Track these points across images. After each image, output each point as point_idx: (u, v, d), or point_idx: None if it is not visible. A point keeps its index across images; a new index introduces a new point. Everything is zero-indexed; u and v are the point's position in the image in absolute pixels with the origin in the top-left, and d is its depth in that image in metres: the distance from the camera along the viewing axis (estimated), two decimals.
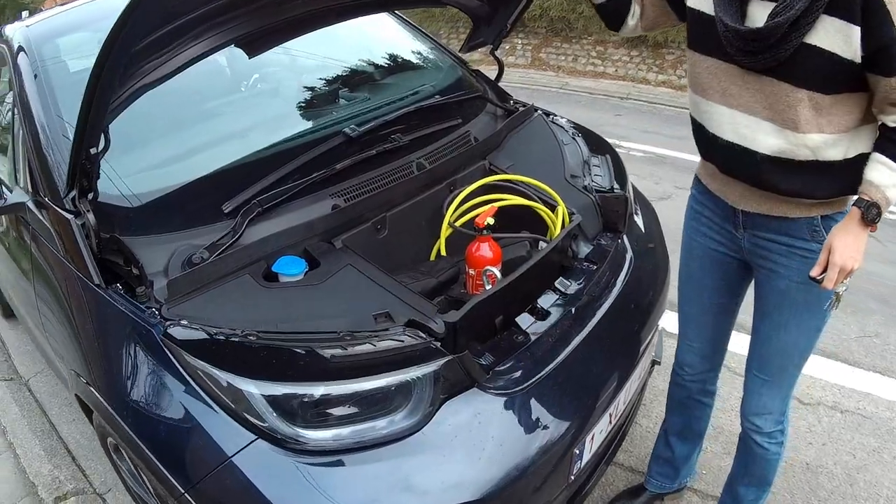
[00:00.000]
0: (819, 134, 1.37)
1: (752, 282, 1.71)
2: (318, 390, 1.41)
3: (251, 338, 1.47)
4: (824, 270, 1.39)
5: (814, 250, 1.48)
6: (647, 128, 5.83)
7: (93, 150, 1.55)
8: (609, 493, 2.23)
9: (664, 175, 4.71)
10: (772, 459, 1.80)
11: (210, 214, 1.73)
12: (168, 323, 1.50)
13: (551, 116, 2.61)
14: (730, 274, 1.74)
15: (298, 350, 1.46)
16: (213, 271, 1.61)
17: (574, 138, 2.46)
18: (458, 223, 2.01)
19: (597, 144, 2.48)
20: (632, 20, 1.74)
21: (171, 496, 1.50)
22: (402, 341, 1.50)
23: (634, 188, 2.43)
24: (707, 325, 1.85)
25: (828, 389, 2.66)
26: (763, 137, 1.44)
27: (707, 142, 1.58)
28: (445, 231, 2.01)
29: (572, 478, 1.72)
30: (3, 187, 2.21)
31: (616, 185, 2.23)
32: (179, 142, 1.97)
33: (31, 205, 1.92)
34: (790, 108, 1.37)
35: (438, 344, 1.53)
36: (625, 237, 2.12)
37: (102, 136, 1.56)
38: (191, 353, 1.45)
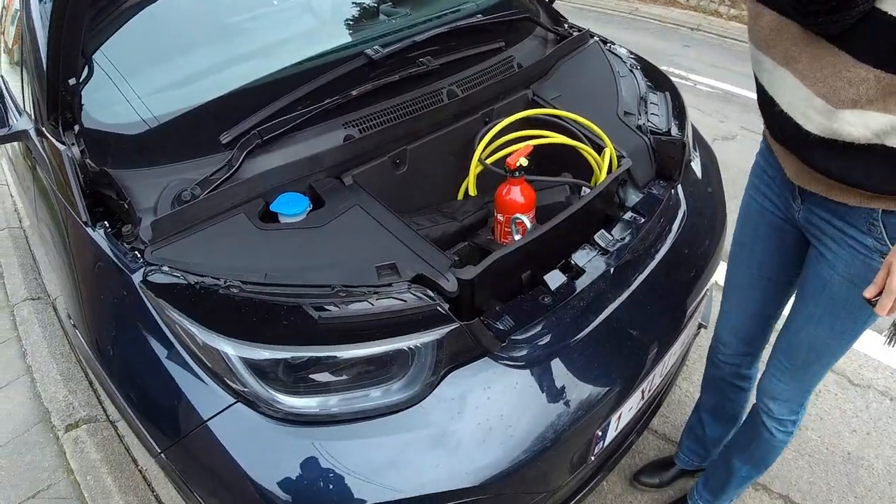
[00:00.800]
0: (883, 114, 0.99)
1: None
2: (299, 355, 1.17)
3: (233, 290, 1.23)
4: (880, 292, 1.05)
5: (868, 245, 1.15)
6: (716, 62, 5.21)
7: (72, 82, 1.30)
8: (638, 462, 1.98)
9: (730, 114, 4.18)
10: (777, 446, 1.53)
11: (209, 145, 1.47)
12: (149, 269, 1.27)
13: (608, 44, 2.21)
14: (786, 244, 1.40)
15: (284, 307, 1.22)
16: (203, 209, 1.36)
17: (632, 70, 2.07)
18: (490, 160, 1.70)
19: (656, 79, 2.08)
20: None
21: (149, 453, 1.32)
22: (405, 301, 1.24)
23: (693, 128, 2.04)
24: (751, 301, 1.52)
25: (880, 371, 2.28)
26: (815, 115, 1.08)
27: (765, 105, 1.22)
28: (475, 168, 1.69)
29: (592, 459, 1.46)
30: (15, 113, 2.00)
31: (674, 127, 1.85)
32: (188, 63, 1.68)
33: (32, 133, 1.70)
34: (850, 86, 1.00)
35: (447, 307, 1.26)
36: (679, 187, 1.76)
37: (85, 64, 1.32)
38: (169, 303, 1.23)
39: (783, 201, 1.34)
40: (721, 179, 1.99)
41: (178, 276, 1.26)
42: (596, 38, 2.18)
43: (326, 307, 1.21)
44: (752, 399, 1.68)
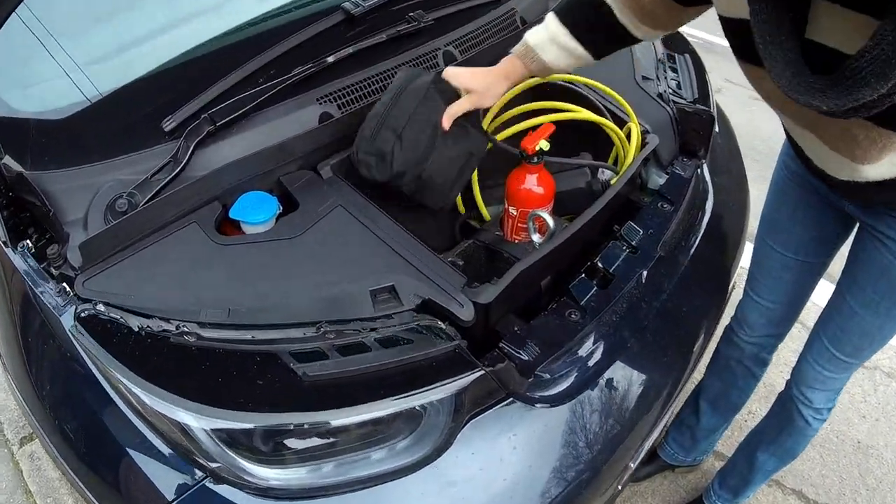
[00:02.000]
0: None
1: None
2: (282, 424, 0.85)
3: (189, 338, 0.90)
4: None
5: None
6: None
7: None
8: None
9: (713, 65, 3.78)
10: (809, 435, 1.35)
11: (148, 135, 1.08)
12: (82, 307, 0.92)
13: None
14: (826, 226, 1.19)
15: (257, 358, 0.89)
16: (144, 222, 1.00)
17: None
18: (498, 137, 1.35)
19: (673, 39, 1.73)
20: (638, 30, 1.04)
21: None
22: (412, 341, 0.92)
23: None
24: (786, 283, 1.30)
25: (885, 352, 2.06)
26: (849, 170, 0.89)
27: (791, 141, 1.04)
28: None
29: (619, 488, 1.21)
30: None
31: (697, 97, 1.53)
32: (117, 29, 1.22)
33: None
34: (893, 151, 0.80)
35: (465, 344, 0.94)
36: (705, 166, 1.46)
37: None
38: (109, 358, 0.89)
39: (824, 187, 1.09)
40: (739, 150, 1.69)
41: (118, 318, 0.91)
42: None
43: (312, 357, 0.88)
44: (755, 391, 1.50)
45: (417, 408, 0.88)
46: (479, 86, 1.12)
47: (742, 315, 1.41)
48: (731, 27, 0.84)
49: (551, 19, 1.07)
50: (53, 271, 0.99)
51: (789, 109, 0.89)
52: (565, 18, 1.06)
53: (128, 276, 0.96)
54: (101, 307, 0.93)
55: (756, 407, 1.86)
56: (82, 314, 0.92)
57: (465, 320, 0.96)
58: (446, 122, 1.11)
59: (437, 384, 0.89)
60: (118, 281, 0.95)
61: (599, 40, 1.07)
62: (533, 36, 1.09)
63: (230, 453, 0.85)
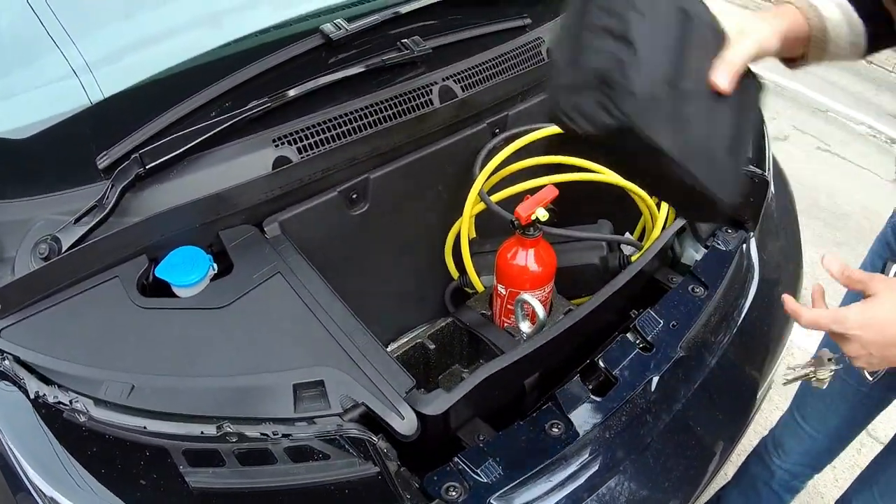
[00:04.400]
0: None
1: None
2: None
3: (80, 416, 0.83)
4: None
5: None
6: None
7: None
8: None
9: (781, 110, 3.60)
10: None
11: (85, 170, 1.01)
12: None
13: None
14: None
15: (146, 452, 0.80)
16: (63, 271, 0.93)
17: None
18: (497, 197, 1.21)
19: None
20: None
21: None
22: (328, 456, 0.80)
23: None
24: (839, 414, 1.21)
25: None
26: None
27: None
28: (473, 205, 1.20)
29: None
30: None
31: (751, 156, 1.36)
32: (84, 46, 1.13)
33: None
34: None
35: (396, 468, 0.82)
36: (753, 240, 1.27)
37: None
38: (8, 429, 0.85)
39: None
40: (796, 216, 1.50)
41: (21, 378, 0.86)
42: None
43: (208, 461, 0.79)
44: None
45: None
46: (758, 26, 0.81)
47: (780, 436, 1.31)
48: None
49: None
50: None
51: None
52: None
53: (46, 330, 0.90)
54: (6, 362, 0.86)
55: None
56: None
57: (405, 434, 0.84)
58: (724, 79, 0.75)
59: None
60: (37, 334, 0.89)
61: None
62: None
63: None
